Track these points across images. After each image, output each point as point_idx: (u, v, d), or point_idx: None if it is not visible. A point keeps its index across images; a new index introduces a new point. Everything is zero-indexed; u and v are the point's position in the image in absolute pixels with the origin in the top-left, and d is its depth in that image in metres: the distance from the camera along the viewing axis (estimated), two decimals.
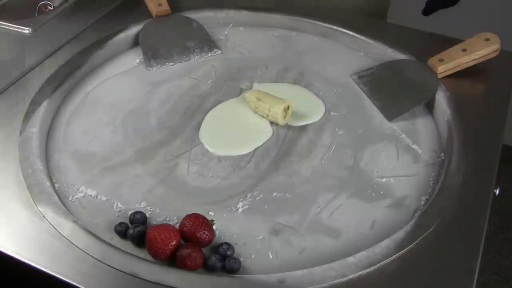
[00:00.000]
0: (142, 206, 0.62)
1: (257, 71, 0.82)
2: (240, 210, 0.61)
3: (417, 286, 0.53)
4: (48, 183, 0.62)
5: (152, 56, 0.83)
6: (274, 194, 0.63)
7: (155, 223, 0.60)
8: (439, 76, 0.77)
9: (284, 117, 0.72)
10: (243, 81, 0.80)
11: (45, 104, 0.72)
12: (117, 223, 0.58)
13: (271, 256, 0.57)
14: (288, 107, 0.72)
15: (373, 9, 1.03)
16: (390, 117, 0.73)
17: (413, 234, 0.57)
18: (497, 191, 0.65)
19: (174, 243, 0.54)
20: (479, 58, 0.78)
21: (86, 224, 0.58)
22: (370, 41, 0.85)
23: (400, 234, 0.57)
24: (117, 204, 0.62)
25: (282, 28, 0.90)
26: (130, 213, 0.60)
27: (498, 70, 0.80)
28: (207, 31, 0.88)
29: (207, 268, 0.54)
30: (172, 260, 0.55)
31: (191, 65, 0.84)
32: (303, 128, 0.73)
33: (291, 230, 0.59)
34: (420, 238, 0.56)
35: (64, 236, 0.56)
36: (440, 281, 0.53)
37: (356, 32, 0.86)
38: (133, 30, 0.87)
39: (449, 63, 0.77)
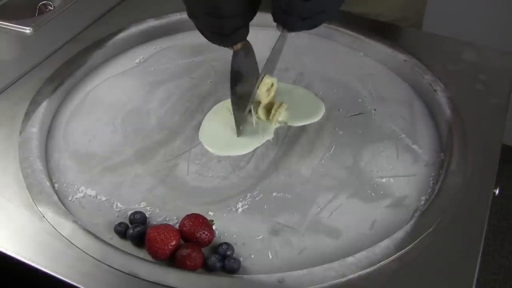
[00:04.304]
0: (141, 206, 0.62)
1: None
2: (240, 210, 0.61)
3: (417, 286, 0.53)
4: (47, 183, 0.62)
5: None
6: (274, 194, 0.63)
7: (154, 223, 0.60)
8: None
9: (268, 95, 0.70)
10: None
11: (45, 104, 0.72)
12: (116, 223, 0.58)
13: (271, 256, 0.57)
14: (272, 85, 0.70)
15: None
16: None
17: (413, 234, 0.57)
18: (497, 191, 0.65)
19: (173, 243, 0.54)
20: None
21: (86, 224, 0.58)
22: (370, 41, 0.85)
23: (400, 234, 0.57)
24: (116, 204, 0.62)
25: None
26: (129, 213, 0.60)
27: (498, 70, 0.80)
28: None
29: (207, 268, 0.54)
30: (172, 260, 0.55)
31: (191, 65, 0.84)
32: (303, 128, 0.73)
33: (291, 230, 0.59)
34: (420, 238, 0.56)
35: (64, 236, 0.56)
36: (440, 281, 0.53)
37: (356, 32, 0.86)
38: (133, 30, 0.87)
39: None
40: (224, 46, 0.65)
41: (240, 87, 0.69)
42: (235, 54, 0.66)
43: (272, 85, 0.70)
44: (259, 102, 0.71)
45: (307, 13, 0.60)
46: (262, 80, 0.69)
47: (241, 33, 0.63)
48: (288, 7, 0.60)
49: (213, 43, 0.64)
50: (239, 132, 0.71)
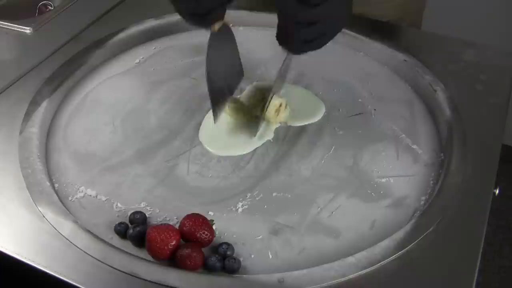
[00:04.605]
0: (142, 206, 0.62)
1: (257, 71, 0.82)
2: (240, 210, 0.61)
3: (417, 286, 0.53)
4: (47, 183, 0.62)
5: None
6: (274, 194, 0.63)
7: (154, 223, 0.60)
8: None
9: (278, 115, 0.71)
10: (243, 81, 0.80)
11: (45, 104, 0.72)
12: (117, 223, 0.58)
13: (270, 256, 0.57)
14: (280, 105, 0.70)
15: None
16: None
17: (413, 234, 0.57)
18: (497, 191, 0.65)
19: (173, 243, 0.54)
20: None
21: (86, 224, 0.58)
22: (370, 41, 0.85)
23: (400, 234, 0.57)
24: (117, 204, 0.62)
25: None
26: (130, 213, 0.60)
27: (498, 70, 0.80)
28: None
29: (207, 268, 0.54)
30: (172, 260, 0.55)
31: (191, 65, 0.84)
32: (303, 128, 0.73)
33: (291, 230, 0.59)
34: (420, 238, 0.56)
35: (64, 236, 0.56)
36: (440, 281, 0.53)
37: (356, 32, 0.86)
38: (133, 30, 0.87)
39: None
40: (202, 27, 0.64)
41: (219, 71, 0.68)
42: (212, 35, 0.65)
43: (280, 105, 0.71)
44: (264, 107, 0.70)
45: (310, 37, 0.60)
46: (270, 101, 0.69)
47: (218, 13, 0.63)
48: (290, 31, 0.60)
49: (191, 24, 0.64)
50: (216, 119, 0.70)
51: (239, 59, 0.72)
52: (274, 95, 0.70)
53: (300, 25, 0.59)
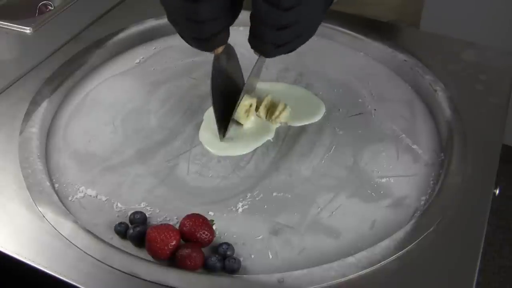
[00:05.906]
0: (142, 206, 0.62)
1: None
2: (240, 210, 0.61)
3: (417, 286, 0.53)
4: (48, 183, 0.62)
5: None
6: (274, 194, 0.63)
7: (155, 223, 0.60)
8: None
9: (248, 116, 0.71)
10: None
11: (45, 104, 0.72)
12: (117, 223, 0.58)
13: (271, 256, 0.57)
14: (250, 105, 0.70)
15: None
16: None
17: (413, 234, 0.57)
18: (497, 191, 0.65)
19: (174, 243, 0.54)
20: None
21: (86, 224, 0.58)
22: (370, 41, 0.85)
23: (400, 234, 0.57)
24: (117, 204, 0.62)
25: None
26: (130, 213, 0.60)
27: (498, 70, 0.80)
28: None
29: (207, 268, 0.54)
30: (172, 260, 0.55)
31: (191, 65, 0.84)
32: (303, 128, 0.73)
33: (291, 230, 0.59)
34: (420, 238, 0.56)
35: (64, 236, 0.56)
36: (440, 281, 0.53)
37: (356, 32, 0.86)
38: (133, 30, 0.87)
39: None
40: (204, 51, 0.64)
41: (223, 91, 0.68)
42: (216, 58, 0.65)
43: (251, 105, 0.70)
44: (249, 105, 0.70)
45: (281, 41, 0.60)
46: (241, 101, 0.69)
47: (221, 37, 0.62)
48: (261, 35, 0.60)
49: (194, 47, 0.63)
50: (222, 137, 0.70)
51: (242, 75, 0.72)
52: (246, 96, 0.69)
53: (272, 29, 0.58)
